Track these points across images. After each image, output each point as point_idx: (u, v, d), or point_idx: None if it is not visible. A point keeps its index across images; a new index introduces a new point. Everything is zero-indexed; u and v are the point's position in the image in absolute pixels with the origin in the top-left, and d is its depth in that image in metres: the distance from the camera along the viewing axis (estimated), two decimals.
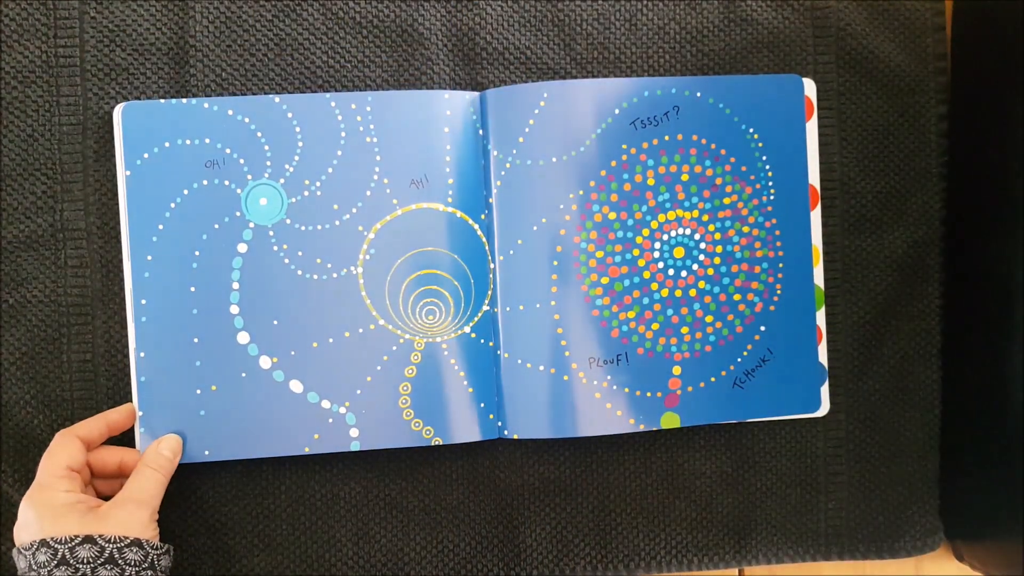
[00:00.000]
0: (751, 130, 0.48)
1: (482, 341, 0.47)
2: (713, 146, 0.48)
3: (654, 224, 0.47)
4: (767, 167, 0.48)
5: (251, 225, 0.46)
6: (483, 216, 0.47)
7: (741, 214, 0.48)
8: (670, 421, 0.48)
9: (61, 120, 0.46)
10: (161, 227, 0.45)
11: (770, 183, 0.48)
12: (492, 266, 0.47)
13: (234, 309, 0.46)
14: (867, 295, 0.50)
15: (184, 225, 0.45)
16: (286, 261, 0.46)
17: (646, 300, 0.47)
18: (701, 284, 0.48)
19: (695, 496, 0.50)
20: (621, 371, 0.47)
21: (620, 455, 0.49)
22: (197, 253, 0.45)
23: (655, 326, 0.47)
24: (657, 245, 0.47)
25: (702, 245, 0.48)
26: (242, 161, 0.46)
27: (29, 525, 0.40)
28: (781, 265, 0.48)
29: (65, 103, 0.46)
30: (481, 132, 0.47)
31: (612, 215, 0.47)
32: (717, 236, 0.48)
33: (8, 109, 0.46)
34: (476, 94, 0.47)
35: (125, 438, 0.45)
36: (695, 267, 0.48)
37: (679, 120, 0.47)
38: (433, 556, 0.49)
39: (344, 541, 0.48)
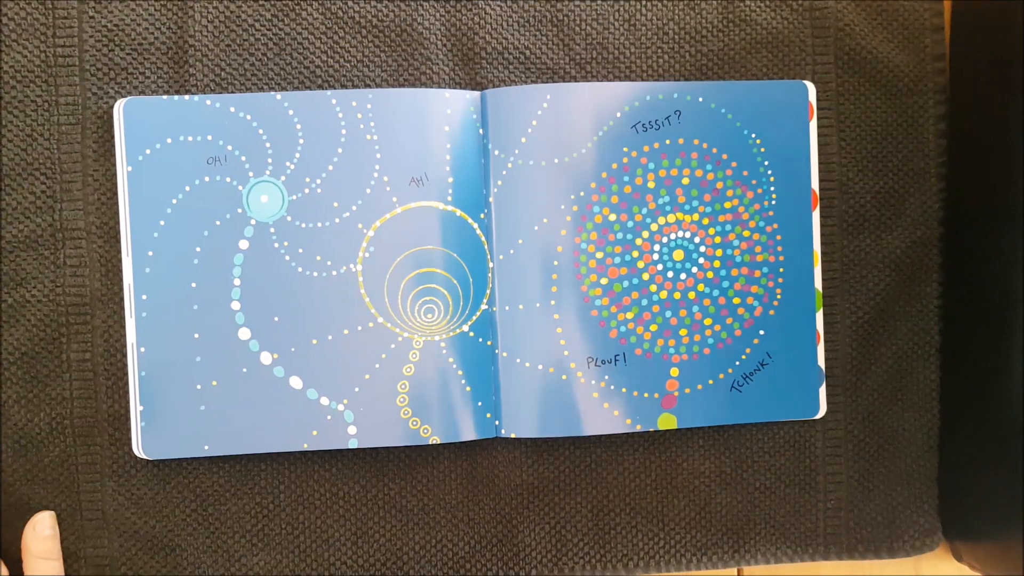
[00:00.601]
0: (754, 135, 0.48)
1: (480, 340, 0.47)
2: (715, 150, 0.48)
3: (654, 226, 0.47)
4: (769, 172, 0.48)
5: (252, 222, 0.46)
6: (483, 215, 0.47)
7: (742, 218, 0.48)
8: (667, 422, 0.48)
9: (60, 120, 0.46)
10: (162, 223, 0.45)
11: (772, 188, 0.48)
12: (491, 265, 0.47)
13: (235, 305, 0.46)
14: (865, 295, 0.50)
15: (186, 221, 0.45)
16: (287, 258, 0.46)
17: (645, 301, 0.47)
18: (700, 287, 0.48)
19: (693, 495, 0.50)
20: (619, 371, 0.47)
21: (618, 454, 0.49)
22: (198, 249, 0.45)
23: (653, 327, 0.47)
24: (657, 247, 0.47)
25: (702, 248, 0.48)
26: (244, 158, 0.46)
27: None
28: (781, 270, 0.48)
29: (64, 103, 0.46)
30: (481, 132, 0.47)
31: (612, 217, 0.47)
32: (717, 240, 0.48)
33: (7, 109, 0.46)
34: (477, 93, 0.47)
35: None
36: (694, 270, 0.48)
37: (681, 124, 0.47)
38: (431, 555, 0.49)
39: (342, 540, 0.48)
